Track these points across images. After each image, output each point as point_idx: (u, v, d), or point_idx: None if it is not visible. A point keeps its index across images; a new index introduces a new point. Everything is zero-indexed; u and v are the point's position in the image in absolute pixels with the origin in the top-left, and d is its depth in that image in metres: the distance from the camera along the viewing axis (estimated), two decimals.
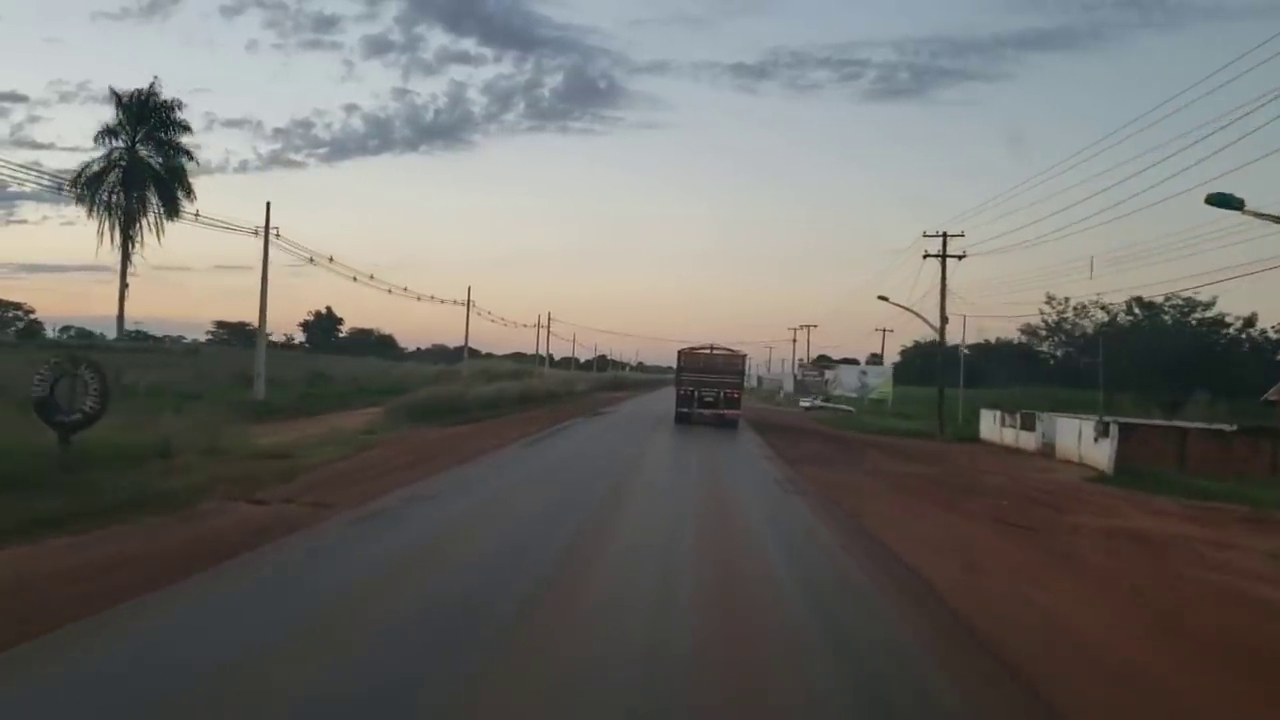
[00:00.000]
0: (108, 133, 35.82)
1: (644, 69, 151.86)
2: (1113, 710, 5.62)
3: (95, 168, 35.73)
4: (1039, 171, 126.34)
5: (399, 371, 64.71)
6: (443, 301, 63.82)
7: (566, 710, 5.00)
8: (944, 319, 37.70)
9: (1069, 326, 75.79)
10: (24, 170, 75.01)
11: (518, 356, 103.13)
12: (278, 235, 36.67)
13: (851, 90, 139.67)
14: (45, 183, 30.88)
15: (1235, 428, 27.34)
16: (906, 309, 39.09)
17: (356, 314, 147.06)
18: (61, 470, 11.07)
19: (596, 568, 8.85)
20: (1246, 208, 17.45)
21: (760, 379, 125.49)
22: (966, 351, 78.15)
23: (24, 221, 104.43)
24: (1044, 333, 77.60)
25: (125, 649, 5.58)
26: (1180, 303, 58.03)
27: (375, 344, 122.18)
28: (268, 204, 34.18)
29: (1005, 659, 6.29)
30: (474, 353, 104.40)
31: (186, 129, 31.21)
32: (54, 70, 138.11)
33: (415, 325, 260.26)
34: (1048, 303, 65.01)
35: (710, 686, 5.54)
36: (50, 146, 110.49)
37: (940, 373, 38.88)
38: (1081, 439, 27.93)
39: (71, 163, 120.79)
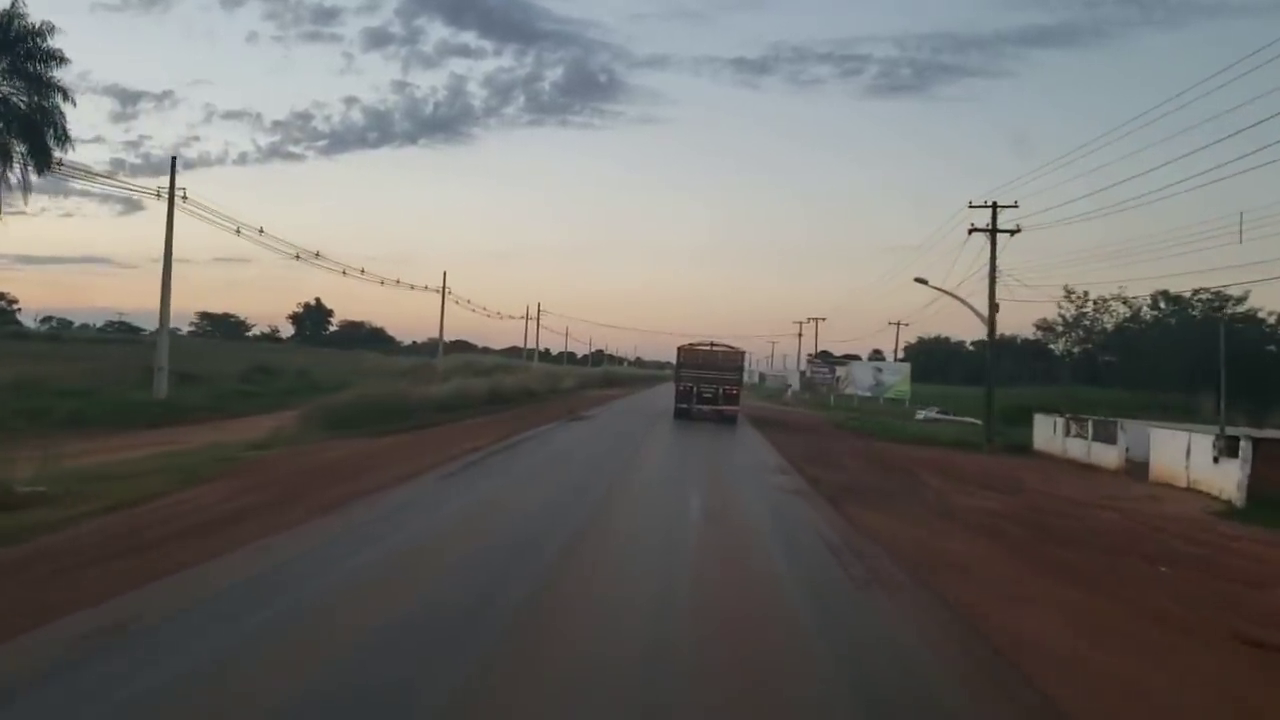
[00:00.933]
0: None
1: (644, 63, 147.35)
2: None
3: None
4: (1041, 164, 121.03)
5: (369, 364, 59.06)
6: (425, 289, 58.73)
7: None
8: (993, 306, 31.15)
9: (1088, 322, 70.34)
10: None
11: (512, 351, 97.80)
12: (184, 198, 30.70)
13: (853, 86, 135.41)
14: None
15: None
16: (950, 294, 32.77)
17: (352, 307, 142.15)
18: None
19: None
20: None
21: (762, 375, 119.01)
22: (1031, 338, 72.81)
23: None
24: (1060, 329, 72.33)
25: None
26: (1209, 297, 55.20)
27: (367, 337, 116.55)
28: (173, 159, 27.97)
29: None
30: (469, 347, 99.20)
31: (62, 60, 24.72)
32: None
33: (411, 318, 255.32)
34: (1067, 297, 60.64)
35: None
36: None
37: (990, 369, 32.33)
38: (1191, 456, 21.50)
39: None
